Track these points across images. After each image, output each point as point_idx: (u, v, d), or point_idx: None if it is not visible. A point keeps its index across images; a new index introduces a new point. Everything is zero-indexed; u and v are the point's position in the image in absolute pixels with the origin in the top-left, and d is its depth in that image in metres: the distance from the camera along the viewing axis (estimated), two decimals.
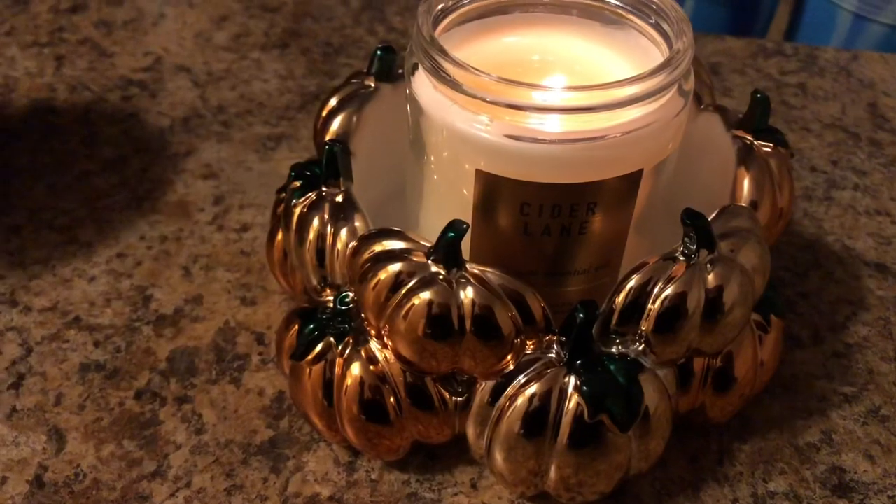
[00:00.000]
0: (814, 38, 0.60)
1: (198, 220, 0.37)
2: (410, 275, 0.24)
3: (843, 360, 0.32)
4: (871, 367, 0.32)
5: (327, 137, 0.30)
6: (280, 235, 0.31)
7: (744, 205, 0.28)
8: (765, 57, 0.49)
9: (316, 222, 0.27)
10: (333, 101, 0.31)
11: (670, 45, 0.26)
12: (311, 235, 0.27)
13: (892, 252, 0.37)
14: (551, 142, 0.24)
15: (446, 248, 0.24)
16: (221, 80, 0.45)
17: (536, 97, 0.24)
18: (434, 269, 0.24)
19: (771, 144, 0.30)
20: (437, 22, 0.26)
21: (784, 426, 0.30)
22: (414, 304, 0.24)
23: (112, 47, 0.47)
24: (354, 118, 0.30)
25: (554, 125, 0.24)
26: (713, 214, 0.26)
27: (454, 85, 0.24)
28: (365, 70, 0.32)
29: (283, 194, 0.30)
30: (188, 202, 0.38)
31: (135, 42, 0.48)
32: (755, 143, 0.29)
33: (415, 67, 0.26)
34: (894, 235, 0.37)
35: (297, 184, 0.28)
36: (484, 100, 0.23)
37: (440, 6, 0.27)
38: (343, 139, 0.30)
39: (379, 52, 0.31)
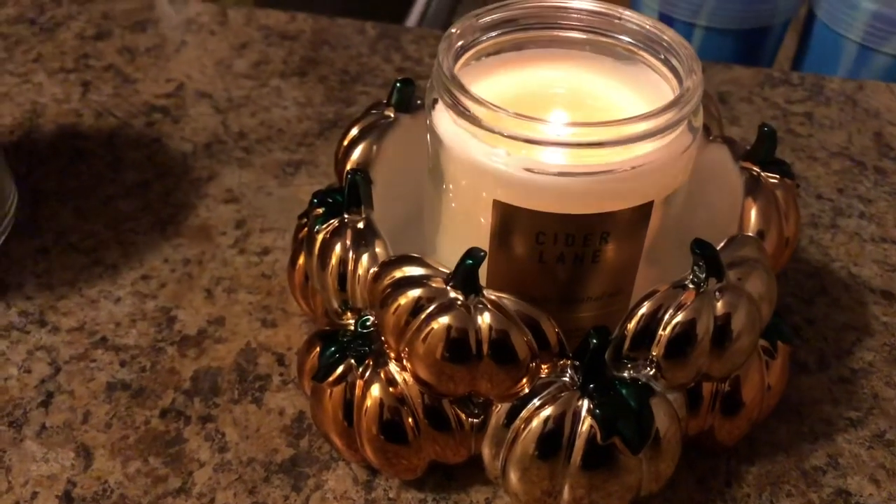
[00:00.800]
0: (820, 67, 0.61)
1: (219, 244, 0.38)
2: (430, 300, 0.25)
3: (849, 385, 0.33)
4: (876, 392, 0.33)
5: (349, 166, 0.31)
6: (301, 260, 0.32)
7: (751, 234, 0.29)
8: (772, 86, 0.50)
9: (338, 248, 0.28)
10: (354, 131, 0.32)
11: (680, 80, 0.27)
12: (334, 261, 0.28)
13: None
14: (565, 174, 0.25)
15: (465, 275, 0.25)
16: (242, 107, 0.46)
17: (551, 132, 0.25)
18: (453, 294, 0.25)
19: (777, 176, 0.30)
20: (456, 58, 0.27)
21: (791, 449, 0.30)
22: (433, 329, 0.25)
23: (135, 74, 0.49)
24: (374, 147, 0.31)
25: (567, 159, 0.25)
26: (722, 244, 0.27)
27: (473, 120, 0.25)
28: (384, 101, 0.33)
29: (305, 220, 0.31)
30: (210, 226, 0.39)
31: (157, 69, 0.49)
32: (762, 174, 0.30)
33: (435, 102, 0.27)
34: None
35: (320, 211, 0.29)
36: (501, 134, 0.24)
37: (460, 43, 0.28)
38: (364, 168, 0.31)
39: (398, 84, 0.32)
